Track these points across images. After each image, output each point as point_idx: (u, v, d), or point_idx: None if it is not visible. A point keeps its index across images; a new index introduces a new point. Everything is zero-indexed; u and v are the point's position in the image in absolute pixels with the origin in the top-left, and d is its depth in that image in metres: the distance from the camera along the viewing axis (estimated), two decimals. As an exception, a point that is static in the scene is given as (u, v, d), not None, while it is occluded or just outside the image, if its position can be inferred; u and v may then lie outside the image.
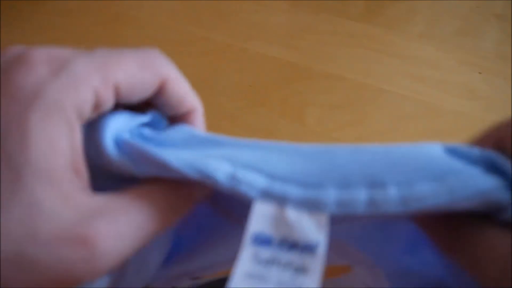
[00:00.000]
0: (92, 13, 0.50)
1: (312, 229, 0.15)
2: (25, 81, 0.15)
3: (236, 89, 0.43)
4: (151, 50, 0.18)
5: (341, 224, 0.18)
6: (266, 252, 0.15)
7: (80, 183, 0.16)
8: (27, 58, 0.16)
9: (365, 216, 0.15)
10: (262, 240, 0.15)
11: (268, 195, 0.15)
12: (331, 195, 0.15)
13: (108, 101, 0.17)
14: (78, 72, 0.16)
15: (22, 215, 0.14)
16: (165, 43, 0.47)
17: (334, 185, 0.15)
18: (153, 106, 0.19)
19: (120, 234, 0.15)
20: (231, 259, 0.18)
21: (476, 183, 0.14)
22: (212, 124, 0.21)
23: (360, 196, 0.15)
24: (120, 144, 0.17)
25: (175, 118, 0.19)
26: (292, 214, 0.15)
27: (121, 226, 0.15)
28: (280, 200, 0.15)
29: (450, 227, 0.16)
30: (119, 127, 0.17)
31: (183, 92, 0.18)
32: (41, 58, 0.16)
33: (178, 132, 0.17)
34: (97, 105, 0.16)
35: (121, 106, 0.18)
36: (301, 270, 0.15)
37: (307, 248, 0.15)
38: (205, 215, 0.20)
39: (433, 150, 0.15)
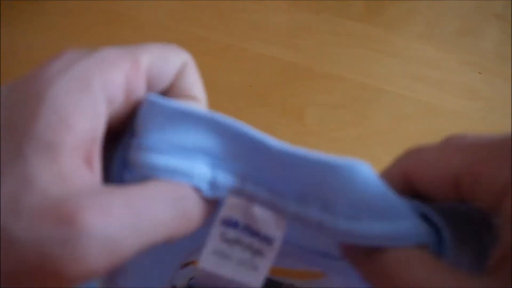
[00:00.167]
0: (92, 13, 0.50)
1: (273, 226, 0.17)
2: (54, 63, 0.15)
3: (236, 89, 0.43)
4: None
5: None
6: (232, 233, 0.17)
7: (87, 174, 0.14)
8: (60, 52, 0.16)
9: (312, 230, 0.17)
10: (230, 223, 0.17)
11: (240, 194, 0.17)
12: (290, 206, 0.17)
13: (140, 88, 0.16)
14: (108, 54, 0.16)
15: (13, 188, 0.13)
16: (165, 43, 0.47)
17: (295, 197, 0.17)
18: None
19: (114, 219, 0.13)
20: None
21: (417, 231, 0.16)
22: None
23: (313, 215, 0.16)
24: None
25: None
26: (258, 210, 0.17)
27: (115, 209, 0.13)
28: (250, 198, 0.17)
29: (369, 253, 0.16)
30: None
31: (195, 78, 0.18)
32: (72, 50, 0.16)
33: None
34: (128, 92, 0.16)
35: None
36: (258, 253, 0.17)
37: (266, 239, 0.17)
38: None
39: (377, 182, 0.16)
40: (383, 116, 0.41)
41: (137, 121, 0.17)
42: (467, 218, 0.17)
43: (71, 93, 0.14)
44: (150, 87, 0.17)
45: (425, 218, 0.17)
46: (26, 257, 0.13)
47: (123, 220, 0.14)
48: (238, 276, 0.17)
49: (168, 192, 0.15)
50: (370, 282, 0.16)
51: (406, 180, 0.17)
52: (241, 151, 0.17)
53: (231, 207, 0.17)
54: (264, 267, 0.17)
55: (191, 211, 0.16)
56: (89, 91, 0.15)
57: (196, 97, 0.18)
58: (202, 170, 0.17)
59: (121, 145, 0.17)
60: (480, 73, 0.46)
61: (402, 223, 0.16)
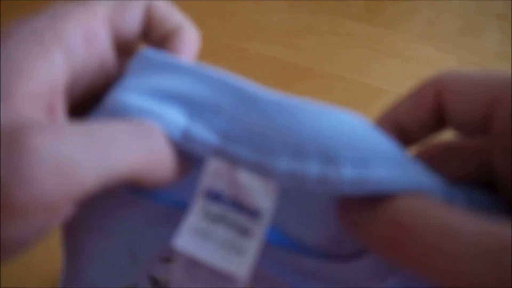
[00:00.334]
0: (92, 13, 0.50)
1: (261, 194, 0.15)
2: (12, 24, 0.15)
3: (236, 89, 0.43)
4: None
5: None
6: (216, 208, 0.15)
7: (47, 117, 0.14)
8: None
9: (312, 191, 0.14)
10: (214, 195, 0.15)
11: (221, 155, 0.15)
12: (283, 164, 0.14)
13: (102, 36, 0.16)
14: (62, 7, 0.16)
15: None
16: None
17: (288, 152, 0.14)
18: None
19: (65, 141, 0.12)
20: None
21: (425, 178, 0.14)
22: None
23: (313, 170, 0.14)
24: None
25: (163, 40, 0.18)
26: (244, 176, 0.15)
27: (67, 132, 0.13)
28: (233, 160, 0.15)
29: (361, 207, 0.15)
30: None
31: (169, 9, 0.18)
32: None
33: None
34: (89, 41, 0.16)
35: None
36: (244, 233, 0.15)
37: (253, 213, 0.15)
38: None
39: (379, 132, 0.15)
40: (383, 116, 0.41)
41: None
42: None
43: (25, 44, 0.14)
44: (117, 35, 0.17)
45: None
46: None
47: (76, 143, 0.13)
48: (220, 262, 0.14)
49: (132, 126, 0.14)
50: (375, 244, 0.14)
51: (437, 101, 0.15)
52: (224, 103, 0.15)
53: (214, 174, 0.15)
54: (251, 250, 0.14)
55: (160, 152, 0.15)
56: (42, 41, 0.15)
57: (180, 25, 0.17)
58: (175, 116, 0.15)
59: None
60: (480, 73, 0.46)
61: (408, 169, 0.14)
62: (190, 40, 0.18)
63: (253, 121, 0.15)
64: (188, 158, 0.15)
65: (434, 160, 0.16)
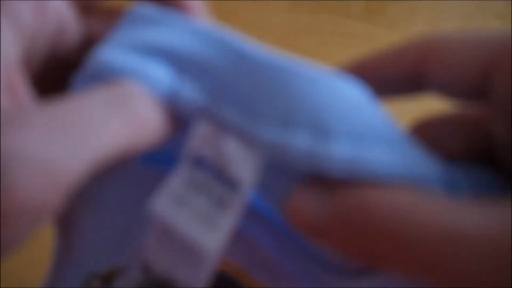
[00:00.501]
0: (92, 13, 0.50)
1: (243, 165, 0.13)
2: None
3: (236, 89, 0.43)
4: None
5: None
6: (199, 176, 0.14)
7: (6, 102, 0.13)
8: None
9: (294, 167, 0.13)
10: (198, 162, 0.14)
11: (208, 116, 0.14)
12: (270, 132, 0.13)
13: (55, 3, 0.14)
14: None
15: None
16: None
17: (275, 119, 0.13)
18: None
19: (36, 134, 0.11)
20: None
21: (424, 160, 0.13)
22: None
23: (301, 143, 0.12)
24: None
25: None
26: (229, 143, 0.13)
27: (38, 122, 0.11)
28: (219, 124, 0.13)
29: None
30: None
31: None
32: None
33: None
34: (38, 5, 0.14)
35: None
36: (221, 205, 0.13)
37: (233, 185, 0.13)
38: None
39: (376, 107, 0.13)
40: (383, 116, 0.41)
41: None
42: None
43: None
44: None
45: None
46: None
47: (50, 133, 0.11)
48: (190, 232, 0.13)
49: (110, 95, 0.13)
50: (351, 244, 0.12)
51: (418, 64, 0.14)
52: (215, 60, 0.14)
53: (201, 138, 0.14)
54: (224, 225, 0.13)
55: (145, 117, 0.13)
56: None
57: None
58: (161, 73, 0.14)
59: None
60: (480, 73, 0.46)
61: (407, 152, 0.13)
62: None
63: (243, 81, 0.13)
64: (177, 115, 0.14)
65: (430, 137, 0.14)
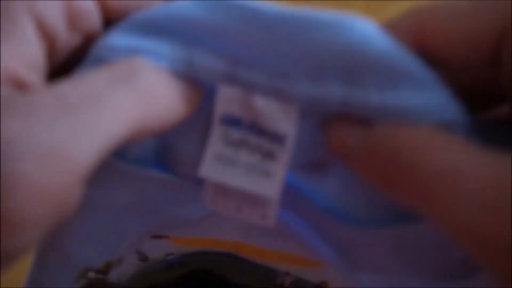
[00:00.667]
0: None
1: (282, 119, 0.14)
2: None
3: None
4: None
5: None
6: (236, 133, 0.14)
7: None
8: None
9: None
10: (231, 121, 0.14)
11: (232, 81, 0.14)
12: (302, 88, 0.13)
13: (90, 12, 0.14)
14: None
15: None
16: None
17: (306, 76, 0.13)
18: None
19: (40, 120, 0.11)
20: (200, 217, 0.17)
21: (452, 103, 0.13)
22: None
23: (335, 92, 0.13)
24: None
25: None
26: (260, 101, 0.14)
27: (43, 107, 0.11)
28: (246, 87, 0.14)
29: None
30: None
31: None
32: None
33: None
34: (72, 17, 0.14)
35: None
36: (269, 155, 0.14)
37: (276, 138, 0.14)
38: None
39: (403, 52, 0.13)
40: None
41: None
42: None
43: None
44: (115, 14, 0.15)
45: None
46: None
47: (56, 117, 0.11)
48: (248, 184, 0.14)
49: (115, 72, 0.12)
50: (367, 176, 0.13)
51: (417, 40, 0.14)
52: (228, 25, 0.13)
53: (227, 100, 0.14)
54: (278, 173, 0.14)
55: (154, 88, 0.13)
56: (13, 15, 0.13)
57: None
58: (166, 45, 0.14)
59: None
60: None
61: (439, 95, 0.13)
62: None
63: (262, 43, 0.13)
64: (196, 86, 0.14)
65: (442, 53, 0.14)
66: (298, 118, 0.14)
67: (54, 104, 0.11)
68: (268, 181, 0.14)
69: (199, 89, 0.14)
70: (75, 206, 0.12)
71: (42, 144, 0.11)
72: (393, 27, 0.14)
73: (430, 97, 0.13)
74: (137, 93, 0.12)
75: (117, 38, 0.14)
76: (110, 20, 0.15)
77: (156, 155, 0.16)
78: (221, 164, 0.14)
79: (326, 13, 0.13)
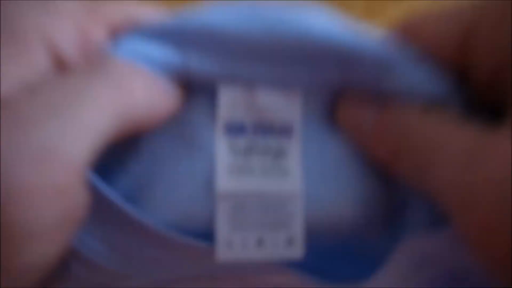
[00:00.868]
0: (92, 13, 0.50)
1: (286, 109, 0.14)
2: (6, 10, 0.13)
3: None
4: None
5: None
6: (242, 140, 0.14)
7: None
8: None
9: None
10: (235, 128, 0.14)
11: (232, 79, 0.14)
12: (303, 76, 0.14)
13: (97, 34, 0.14)
14: (59, 4, 0.14)
15: None
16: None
17: (305, 64, 0.14)
18: None
19: (33, 122, 0.11)
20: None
21: (441, 81, 0.14)
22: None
23: (333, 76, 0.14)
24: None
25: None
26: (262, 96, 0.14)
27: (32, 113, 0.11)
28: (246, 83, 0.14)
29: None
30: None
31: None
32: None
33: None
34: (83, 43, 0.14)
35: None
36: (280, 153, 0.14)
37: (283, 130, 0.14)
38: None
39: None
40: (383, 116, 0.41)
41: None
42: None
43: (5, 45, 0.13)
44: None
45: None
46: None
47: (41, 122, 0.11)
48: (270, 188, 0.14)
49: (93, 71, 0.13)
50: (376, 151, 0.15)
51: (407, 39, 0.16)
52: (222, 27, 0.14)
53: (229, 104, 0.14)
54: (294, 167, 0.14)
55: (132, 84, 0.13)
56: (22, 35, 0.13)
57: None
58: (159, 50, 0.14)
59: None
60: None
61: (421, 72, 0.14)
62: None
63: (258, 40, 0.14)
64: (180, 85, 0.15)
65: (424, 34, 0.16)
66: (301, 104, 0.14)
67: (37, 110, 0.12)
68: (287, 179, 0.14)
69: (182, 86, 0.15)
70: (83, 210, 0.12)
71: (32, 149, 0.11)
72: (396, 30, 0.16)
73: (418, 78, 0.14)
74: (115, 85, 0.13)
75: (116, 47, 0.14)
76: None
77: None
78: (235, 175, 0.14)
79: (315, 11, 0.14)
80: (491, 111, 0.14)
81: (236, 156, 0.14)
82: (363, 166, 0.16)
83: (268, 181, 0.14)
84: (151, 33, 0.14)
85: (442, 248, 0.15)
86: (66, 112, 0.12)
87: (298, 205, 0.14)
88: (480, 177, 0.12)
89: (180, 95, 0.15)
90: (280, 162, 0.14)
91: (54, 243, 0.12)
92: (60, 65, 0.14)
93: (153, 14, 0.16)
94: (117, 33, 0.15)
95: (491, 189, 0.11)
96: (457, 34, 0.14)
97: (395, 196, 0.16)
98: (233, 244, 0.14)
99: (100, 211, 0.14)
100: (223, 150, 0.14)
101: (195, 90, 0.15)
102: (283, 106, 0.14)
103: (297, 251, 0.14)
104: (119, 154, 0.16)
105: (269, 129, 0.14)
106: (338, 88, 0.14)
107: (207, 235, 0.15)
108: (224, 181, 0.14)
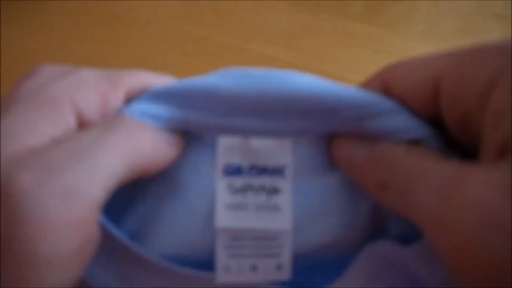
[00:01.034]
0: (92, 14, 0.50)
1: (278, 154, 0.16)
2: (30, 82, 0.16)
3: (236, 89, 0.43)
4: None
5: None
6: (239, 180, 0.16)
7: None
8: (39, 67, 0.16)
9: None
10: (233, 170, 0.16)
11: (229, 130, 0.16)
12: (292, 126, 0.15)
13: (116, 100, 0.16)
14: (85, 75, 0.16)
15: None
16: (165, 43, 0.47)
17: (293, 116, 0.15)
18: None
19: (44, 176, 0.13)
20: None
21: (416, 124, 0.15)
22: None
23: (319, 125, 0.15)
24: None
25: None
26: (256, 142, 0.16)
27: (55, 162, 0.13)
28: (243, 132, 0.16)
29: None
30: None
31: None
32: (52, 67, 0.16)
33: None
34: (105, 112, 0.16)
35: None
36: (273, 191, 0.16)
37: (276, 171, 0.16)
38: None
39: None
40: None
41: None
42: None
43: (40, 108, 0.15)
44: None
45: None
46: None
47: (65, 165, 0.13)
48: (261, 223, 0.15)
49: (106, 125, 0.15)
50: (366, 184, 0.16)
51: (384, 89, 0.17)
52: (217, 86, 0.16)
53: (227, 149, 0.16)
54: (285, 204, 0.16)
55: (140, 136, 0.15)
56: (54, 103, 0.15)
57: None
58: (161, 108, 0.16)
59: None
60: (480, 73, 0.46)
61: (408, 117, 0.15)
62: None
63: (249, 97, 0.15)
64: (179, 135, 0.16)
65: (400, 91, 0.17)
66: (291, 148, 0.16)
67: (61, 155, 0.14)
68: (278, 215, 0.15)
69: (182, 137, 0.17)
70: (96, 243, 0.14)
71: (57, 189, 0.13)
72: (367, 81, 0.18)
73: (399, 121, 0.15)
74: (126, 137, 0.15)
75: (131, 105, 0.16)
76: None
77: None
78: (233, 211, 0.15)
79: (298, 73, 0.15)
80: (465, 152, 0.15)
81: (233, 194, 0.16)
82: (348, 197, 0.17)
83: (262, 216, 0.15)
84: (157, 95, 0.16)
85: (408, 259, 0.16)
86: (86, 159, 0.14)
87: (288, 238, 0.16)
88: (455, 201, 0.12)
89: (180, 145, 0.17)
90: (272, 198, 0.16)
91: (71, 272, 0.13)
92: (83, 125, 0.16)
93: (162, 80, 0.18)
94: (131, 97, 0.17)
95: (465, 212, 0.12)
96: (428, 84, 0.15)
97: (376, 219, 0.18)
98: (230, 270, 0.16)
99: (109, 247, 0.16)
100: (222, 189, 0.16)
101: (192, 140, 0.17)
102: (276, 151, 0.16)
103: (285, 274, 0.16)
104: (128, 196, 0.17)
105: (263, 170, 0.16)
106: (325, 133, 0.16)
107: (206, 265, 0.17)
108: (223, 217, 0.16)
